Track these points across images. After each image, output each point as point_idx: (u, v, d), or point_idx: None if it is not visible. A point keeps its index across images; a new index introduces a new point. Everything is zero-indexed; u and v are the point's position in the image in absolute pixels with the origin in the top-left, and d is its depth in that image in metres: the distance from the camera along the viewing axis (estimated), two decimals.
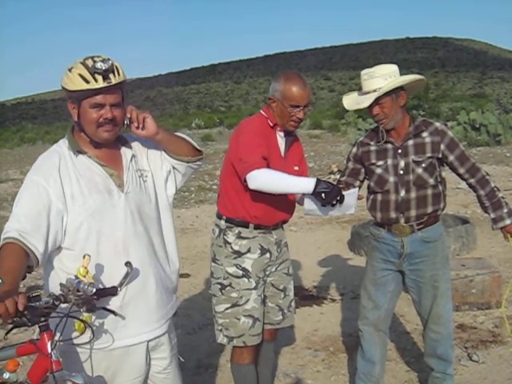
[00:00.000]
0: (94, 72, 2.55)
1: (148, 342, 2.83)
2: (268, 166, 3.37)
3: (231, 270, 3.65)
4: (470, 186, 3.80)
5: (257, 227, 3.65)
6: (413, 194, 3.66)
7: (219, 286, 3.70)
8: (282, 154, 3.68)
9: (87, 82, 2.55)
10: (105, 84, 2.57)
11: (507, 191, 12.30)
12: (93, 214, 2.64)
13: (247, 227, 3.64)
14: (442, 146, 3.66)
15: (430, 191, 3.67)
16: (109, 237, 2.68)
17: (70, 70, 2.60)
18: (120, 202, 2.72)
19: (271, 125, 3.63)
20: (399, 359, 4.98)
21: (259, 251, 3.66)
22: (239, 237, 3.64)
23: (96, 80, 2.56)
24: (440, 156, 3.67)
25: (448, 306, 3.83)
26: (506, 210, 3.74)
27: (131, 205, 2.75)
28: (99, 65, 2.54)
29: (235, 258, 3.65)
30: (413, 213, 3.68)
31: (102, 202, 2.67)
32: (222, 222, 3.70)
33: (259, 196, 3.50)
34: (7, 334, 2.30)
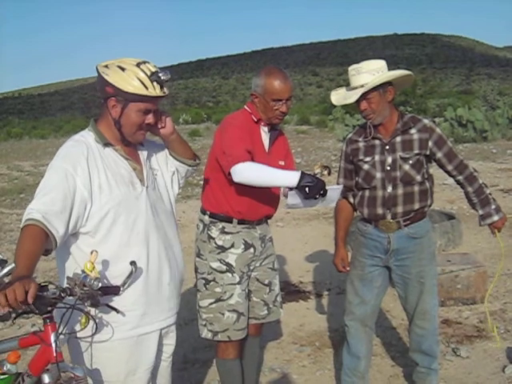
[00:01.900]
0: (154, 80, 2.67)
1: (161, 330, 2.98)
2: (252, 160, 3.37)
3: (215, 264, 3.64)
4: (458, 182, 3.81)
5: (241, 222, 3.64)
6: (400, 191, 3.66)
7: (203, 281, 3.69)
8: (266, 149, 3.68)
9: (146, 88, 2.66)
10: (161, 94, 2.71)
11: (493, 187, 12.38)
12: (119, 204, 2.74)
13: (231, 222, 3.63)
14: (430, 143, 3.66)
15: (416, 188, 3.67)
16: (131, 227, 2.79)
17: (121, 69, 2.67)
18: (142, 194, 2.85)
19: (255, 120, 3.63)
20: (385, 354, 4.99)
21: (243, 246, 3.66)
22: (223, 232, 3.64)
23: (155, 88, 2.68)
24: (428, 153, 3.67)
25: (434, 301, 3.83)
26: (493, 207, 3.75)
27: (150, 199, 2.89)
28: (162, 74, 2.69)
29: (219, 253, 3.64)
30: (399, 209, 3.67)
31: (127, 194, 2.78)
32: (206, 217, 3.70)
33: (243, 191, 3.50)
34: (15, 319, 2.31)
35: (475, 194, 3.76)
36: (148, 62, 2.72)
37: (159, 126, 2.92)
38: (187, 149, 3.14)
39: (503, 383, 4.32)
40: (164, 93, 2.72)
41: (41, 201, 2.56)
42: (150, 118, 2.77)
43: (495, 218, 3.76)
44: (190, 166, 3.14)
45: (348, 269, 3.89)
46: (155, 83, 2.67)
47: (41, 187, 2.63)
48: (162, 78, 2.68)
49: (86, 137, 2.83)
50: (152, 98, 2.70)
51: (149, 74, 2.66)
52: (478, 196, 3.76)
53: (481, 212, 3.79)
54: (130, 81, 2.65)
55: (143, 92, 2.65)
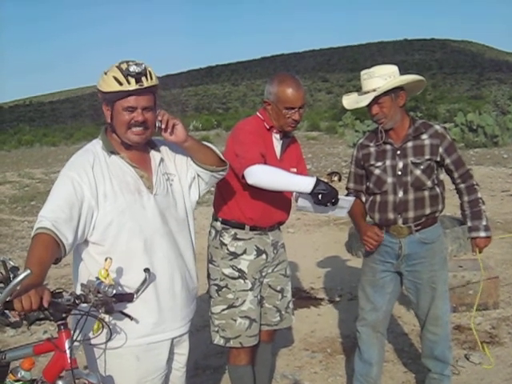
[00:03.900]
0: (127, 74, 2.66)
1: (173, 339, 2.97)
2: (266, 164, 3.37)
3: (227, 271, 3.65)
4: (458, 190, 3.83)
5: (253, 229, 3.65)
6: (411, 196, 3.65)
7: (216, 288, 3.70)
8: (278, 156, 3.69)
9: (120, 83, 2.67)
10: (137, 86, 2.68)
11: (504, 192, 12.34)
12: (123, 212, 2.74)
13: (243, 229, 3.64)
14: (441, 149, 3.66)
15: (427, 193, 3.67)
16: (138, 235, 2.78)
17: (105, 73, 2.72)
18: (149, 202, 2.83)
19: (267, 127, 3.64)
20: (396, 360, 4.98)
21: (255, 252, 3.66)
22: (235, 238, 3.65)
23: (129, 82, 2.67)
24: (438, 159, 3.67)
25: (446, 307, 3.83)
26: (484, 223, 3.76)
27: (159, 206, 2.86)
28: (132, 68, 2.66)
29: (231, 260, 3.64)
30: (411, 214, 3.67)
31: (132, 202, 2.78)
32: (218, 224, 3.70)
33: (255, 198, 3.51)
34: (31, 324, 2.32)
35: (469, 205, 3.79)
36: (132, 61, 2.71)
37: (163, 129, 2.84)
38: (208, 155, 3.03)
39: None
40: (141, 85, 2.68)
41: (50, 208, 2.59)
42: (137, 116, 2.72)
43: (482, 233, 3.76)
44: (212, 171, 3.05)
45: (380, 234, 3.73)
46: (129, 77, 2.66)
47: (51, 195, 2.67)
48: (133, 70, 2.65)
49: (95, 145, 2.87)
50: (130, 93, 2.68)
51: (123, 69, 2.67)
52: (472, 208, 3.78)
53: (469, 224, 3.81)
54: (107, 80, 2.69)
55: (117, 88, 2.66)
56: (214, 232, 3.74)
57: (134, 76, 2.66)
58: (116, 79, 2.66)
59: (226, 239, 3.66)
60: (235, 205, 3.62)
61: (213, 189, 3.54)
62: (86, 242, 2.74)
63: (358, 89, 3.81)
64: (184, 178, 3.05)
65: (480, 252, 3.85)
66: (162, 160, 2.96)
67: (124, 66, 2.68)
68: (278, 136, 3.68)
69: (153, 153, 2.96)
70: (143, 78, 2.68)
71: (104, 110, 2.79)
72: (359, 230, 3.82)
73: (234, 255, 3.65)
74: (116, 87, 2.67)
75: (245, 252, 3.65)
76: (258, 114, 3.72)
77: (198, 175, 3.07)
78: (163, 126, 2.83)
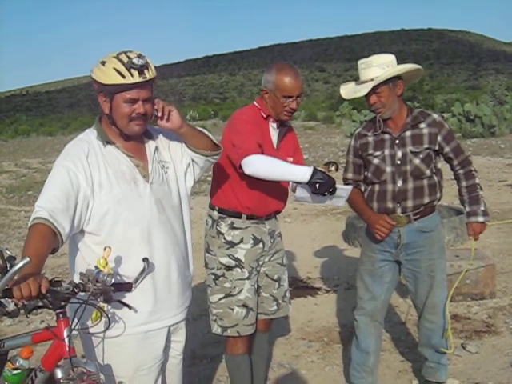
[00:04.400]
0: (130, 67, 2.62)
1: (170, 326, 2.98)
2: (263, 153, 3.37)
3: (224, 260, 3.65)
4: (457, 176, 3.84)
5: (249, 217, 3.64)
6: (410, 185, 3.66)
7: (213, 277, 3.70)
8: (275, 145, 3.67)
9: (123, 76, 2.62)
10: (140, 79, 2.65)
11: (501, 182, 12.37)
12: (119, 202, 2.73)
13: (240, 217, 3.64)
14: (439, 138, 3.67)
15: (426, 182, 3.67)
16: (135, 224, 2.77)
17: (103, 64, 2.66)
18: (145, 191, 2.82)
19: (264, 116, 3.63)
20: (393, 349, 4.99)
21: (252, 241, 3.66)
22: (232, 227, 3.64)
23: (132, 75, 2.63)
24: (436, 148, 3.68)
25: (443, 295, 3.84)
26: (482, 208, 3.76)
27: (155, 195, 2.85)
28: (136, 60, 2.62)
29: (228, 249, 3.64)
30: (410, 203, 3.68)
31: (128, 191, 2.76)
32: (215, 213, 3.70)
33: (252, 186, 3.51)
34: (29, 312, 2.32)
35: (467, 190, 3.79)
36: (130, 51, 2.68)
37: (159, 116, 2.83)
38: (203, 140, 3.04)
39: None
40: (144, 78, 2.65)
41: (47, 198, 2.58)
42: (139, 108, 2.70)
43: (480, 218, 3.76)
44: (206, 156, 3.05)
45: (392, 222, 3.67)
46: (132, 70, 2.62)
47: (46, 185, 2.65)
48: (137, 63, 2.62)
49: (89, 135, 2.84)
50: (133, 86, 2.64)
51: (125, 62, 2.63)
52: (470, 193, 3.78)
53: (468, 209, 3.81)
54: (107, 72, 2.64)
55: (120, 81, 2.62)
56: (210, 221, 3.73)
57: (138, 68, 2.63)
58: (118, 71, 2.62)
59: (223, 228, 3.66)
60: (232, 194, 3.62)
61: (209, 178, 3.54)
62: (82, 231, 2.73)
63: (356, 78, 3.80)
64: (179, 164, 3.04)
65: (475, 239, 3.86)
66: (156, 148, 2.95)
67: (124, 58, 2.63)
68: (274, 125, 3.67)
69: (148, 142, 2.94)
70: (145, 71, 2.66)
71: (100, 101, 2.75)
72: (368, 219, 3.77)
73: (231, 244, 3.64)
74: (118, 80, 2.62)
75: (242, 241, 3.64)
76: (254, 102, 3.70)
77: (193, 160, 3.07)
78: (159, 114, 2.81)
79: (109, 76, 2.63)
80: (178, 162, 3.04)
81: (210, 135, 3.09)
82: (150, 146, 2.94)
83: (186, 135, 2.98)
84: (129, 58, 2.63)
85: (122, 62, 2.63)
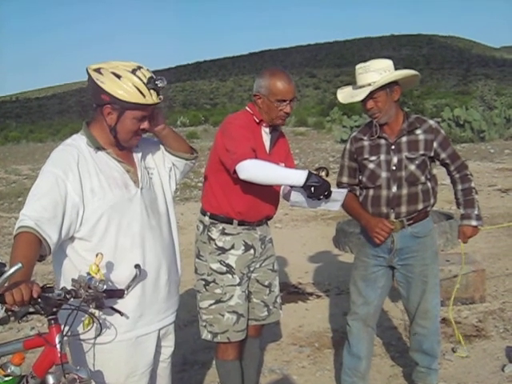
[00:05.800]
0: (151, 88, 2.66)
1: (159, 330, 2.99)
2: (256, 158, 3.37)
3: (215, 266, 3.64)
4: (452, 180, 3.87)
5: (241, 223, 3.64)
6: (404, 191, 3.67)
7: (203, 282, 3.69)
8: (267, 150, 3.68)
9: (144, 96, 2.65)
10: (157, 101, 2.71)
11: (491, 187, 12.42)
12: (113, 207, 2.73)
13: (231, 223, 3.63)
14: (435, 144, 3.69)
15: (420, 188, 3.69)
16: (126, 230, 2.78)
17: (117, 77, 2.63)
18: (136, 196, 2.84)
19: (257, 121, 3.63)
20: (384, 354, 5.00)
21: (243, 247, 3.66)
22: (223, 233, 3.64)
23: (151, 95, 2.67)
24: (432, 154, 3.69)
25: (436, 300, 3.85)
26: (476, 212, 3.79)
27: (145, 200, 2.88)
28: (159, 82, 2.67)
29: (219, 255, 3.64)
30: (403, 209, 3.69)
31: (120, 196, 2.77)
32: (206, 219, 3.70)
33: (244, 192, 3.51)
34: (21, 318, 2.32)
35: (463, 193, 3.81)
36: (142, 68, 2.69)
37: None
38: (182, 143, 3.13)
39: (503, 382, 4.32)
40: (160, 99, 2.71)
41: (33, 207, 2.55)
42: (145, 124, 2.75)
43: (473, 222, 3.79)
44: (187, 159, 3.13)
45: (391, 225, 3.66)
46: (152, 91, 2.66)
47: (33, 192, 2.62)
48: (160, 85, 2.66)
49: (78, 141, 2.80)
50: (148, 106, 2.68)
51: (145, 81, 2.64)
52: (465, 196, 3.81)
53: (462, 211, 3.84)
54: (127, 89, 2.62)
55: (141, 101, 2.64)
56: (201, 227, 3.73)
57: (157, 90, 2.68)
58: (139, 90, 2.62)
59: (214, 234, 3.65)
60: (224, 199, 3.61)
61: (200, 184, 3.54)
62: (72, 237, 2.71)
63: (345, 84, 3.81)
64: (162, 169, 3.08)
65: (465, 242, 3.89)
66: (142, 155, 2.97)
67: (144, 76, 2.65)
68: (267, 130, 3.67)
69: (134, 148, 2.94)
70: (160, 93, 2.71)
71: (105, 113, 2.71)
72: (366, 223, 3.75)
73: (222, 250, 3.64)
74: (139, 99, 2.63)
75: (233, 247, 3.64)
76: (247, 108, 3.71)
77: (174, 165, 3.12)
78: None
79: (129, 93, 2.62)
80: (161, 168, 3.07)
81: (185, 139, 3.18)
82: (137, 152, 2.95)
83: (167, 137, 3.04)
84: (147, 77, 2.66)
85: (141, 80, 2.64)
